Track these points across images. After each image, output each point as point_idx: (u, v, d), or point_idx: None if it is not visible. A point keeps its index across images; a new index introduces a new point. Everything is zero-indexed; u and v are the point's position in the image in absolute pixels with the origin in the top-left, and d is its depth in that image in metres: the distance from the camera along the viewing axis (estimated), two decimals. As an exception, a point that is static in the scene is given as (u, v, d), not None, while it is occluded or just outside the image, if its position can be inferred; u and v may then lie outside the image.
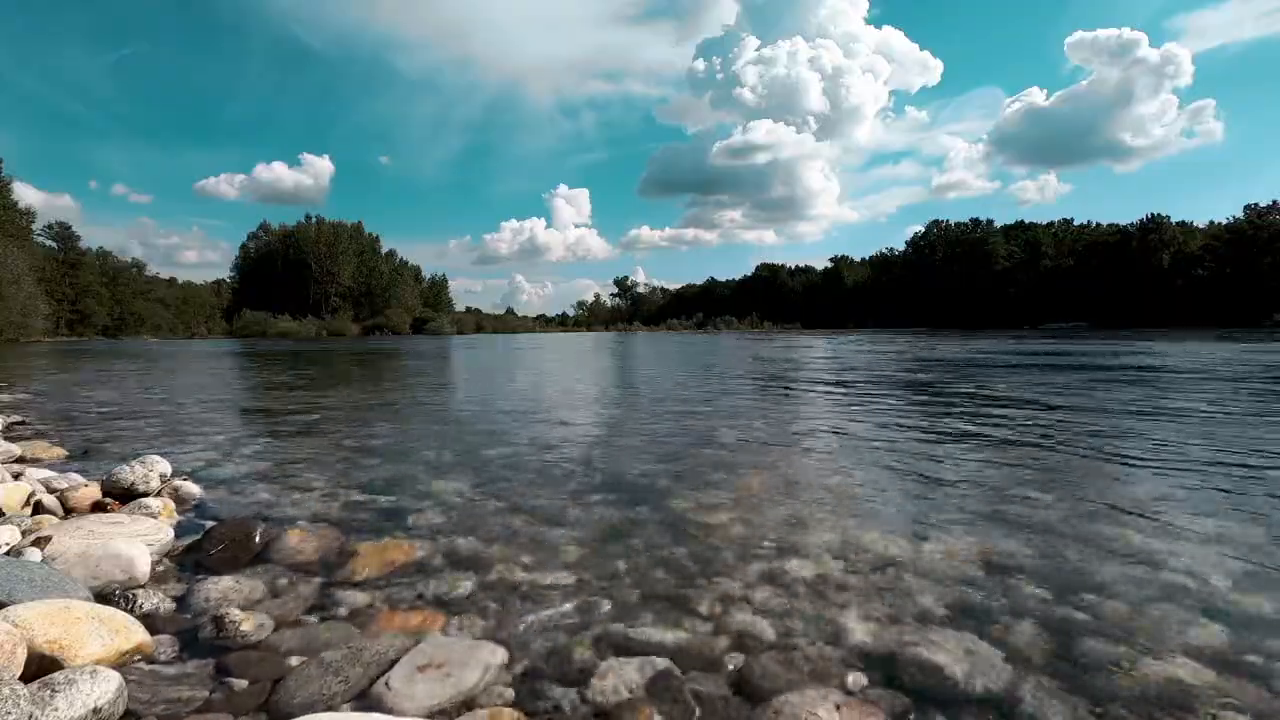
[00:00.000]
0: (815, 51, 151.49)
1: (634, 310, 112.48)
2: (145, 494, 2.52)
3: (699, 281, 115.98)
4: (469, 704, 1.24)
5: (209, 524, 2.23)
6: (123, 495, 2.50)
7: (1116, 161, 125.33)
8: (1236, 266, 54.66)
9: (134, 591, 1.65)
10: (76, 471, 2.90)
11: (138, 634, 1.41)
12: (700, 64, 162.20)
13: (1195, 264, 58.41)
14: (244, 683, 1.30)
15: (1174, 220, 62.30)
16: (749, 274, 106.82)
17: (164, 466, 2.78)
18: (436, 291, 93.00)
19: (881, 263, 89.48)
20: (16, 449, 3.31)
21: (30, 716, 1.04)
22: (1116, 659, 1.37)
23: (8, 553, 1.75)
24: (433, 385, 8.65)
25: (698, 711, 1.22)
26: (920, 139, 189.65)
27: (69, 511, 2.35)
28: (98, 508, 2.37)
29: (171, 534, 2.07)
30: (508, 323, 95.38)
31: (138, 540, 1.87)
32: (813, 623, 1.55)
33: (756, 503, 2.58)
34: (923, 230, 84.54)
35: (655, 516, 2.40)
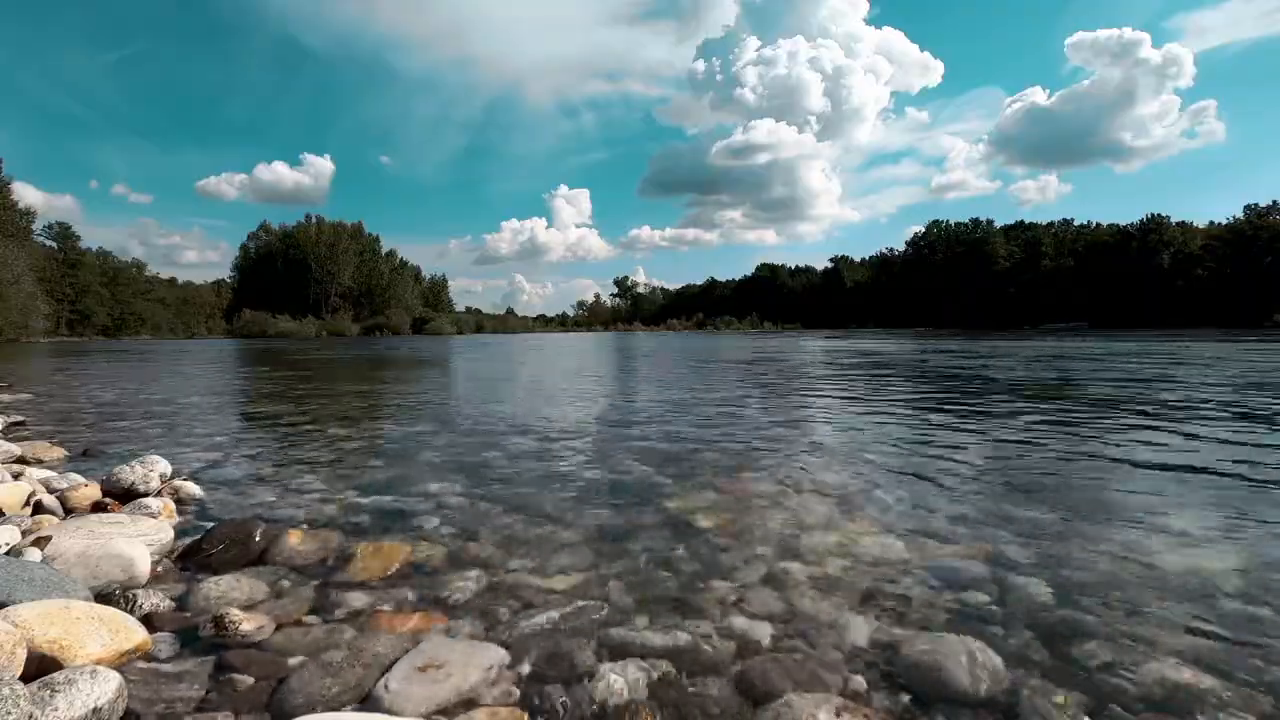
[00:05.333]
0: (816, 52, 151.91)
1: (634, 310, 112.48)
2: (145, 494, 2.52)
3: (699, 281, 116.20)
4: (469, 704, 1.24)
5: (209, 524, 2.23)
6: (123, 495, 2.50)
7: (1117, 162, 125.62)
8: (1236, 267, 54.65)
9: (134, 591, 1.64)
10: (76, 471, 2.90)
11: (138, 634, 1.40)
12: (700, 64, 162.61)
13: (1195, 264, 58.42)
14: (244, 683, 1.30)
15: (1174, 220, 62.36)
16: (749, 274, 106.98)
17: (164, 467, 2.78)
18: (436, 292, 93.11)
19: (881, 263, 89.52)
20: (16, 449, 3.31)
21: (30, 716, 1.04)
22: (1117, 660, 1.37)
23: (8, 553, 1.75)
24: (433, 386, 8.65)
25: (699, 714, 1.22)
26: (920, 139, 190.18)
27: (69, 511, 2.35)
28: (98, 508, 2.36)
29: (171, 534, 2.06)
30: (508, 323, 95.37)
31: (138, 540, 1.87)
32: (813, 625, 1.54)
33: (757, 504, 2.58)
34: (923, 230, 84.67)
35: (655, 518, 2.40)
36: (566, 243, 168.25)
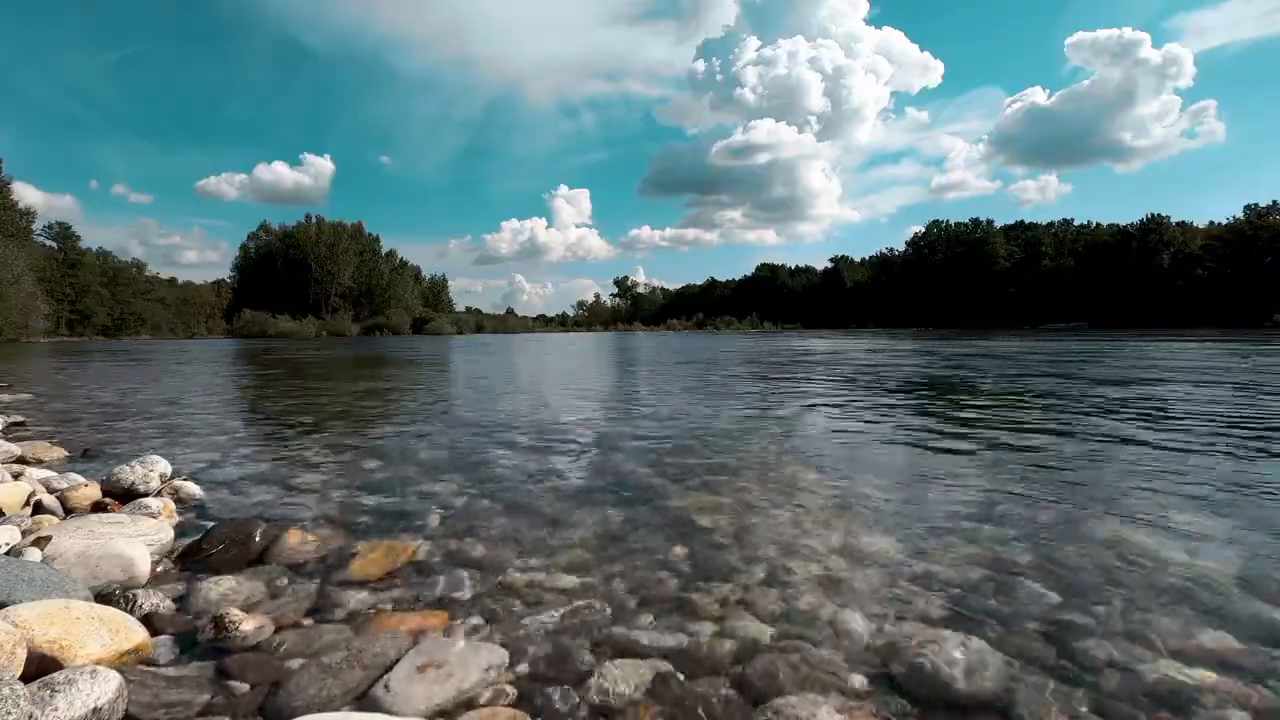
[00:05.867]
0: (816, 52, 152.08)
1: (634, 310, 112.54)
2: (145, 494, 2.52)
3: (699, 281, 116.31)
4: (469, 704, 1.24)
5: (209, 524, 2.23)
6: (123, 495, 2.50)
7: (1117, 162, 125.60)
8: (1236, 267, 54.66)
9: (134, 592, 1.64)
10: (76, 472, 2.90)
11: (138, 634, 1.40)
12: (700, 64, 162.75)
13: (1195, 264, 58.45)
14: (244, 684, 1.30)
15: (1174, 220, 62.40)
16: (749, 274, 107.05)
17: (164, 467, 2.78)
18: (436, 292, 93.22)
19: (881, 263, 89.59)
20: (16, 449, 3.31)
21: (30, 716, 1.04)
22: (1117, 660, 1.37)
23: (8, 553, 1.75)
24: (433, 386, 8.65)
25: (699, 714, 1.22)
26: (920, 139, 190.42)
27: (69, 512, 2.35)
28: (98, 508, 2.36)
29: (171, 534, 2.06)
30: (508, 323, 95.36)
31: (138, 540, 1.87)
32: (814, 625, 1.54)
33: (757, 504, 2.58)
34: (923, 230, 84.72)
35: (656, 518, 2.40)
36: (566, 243, 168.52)
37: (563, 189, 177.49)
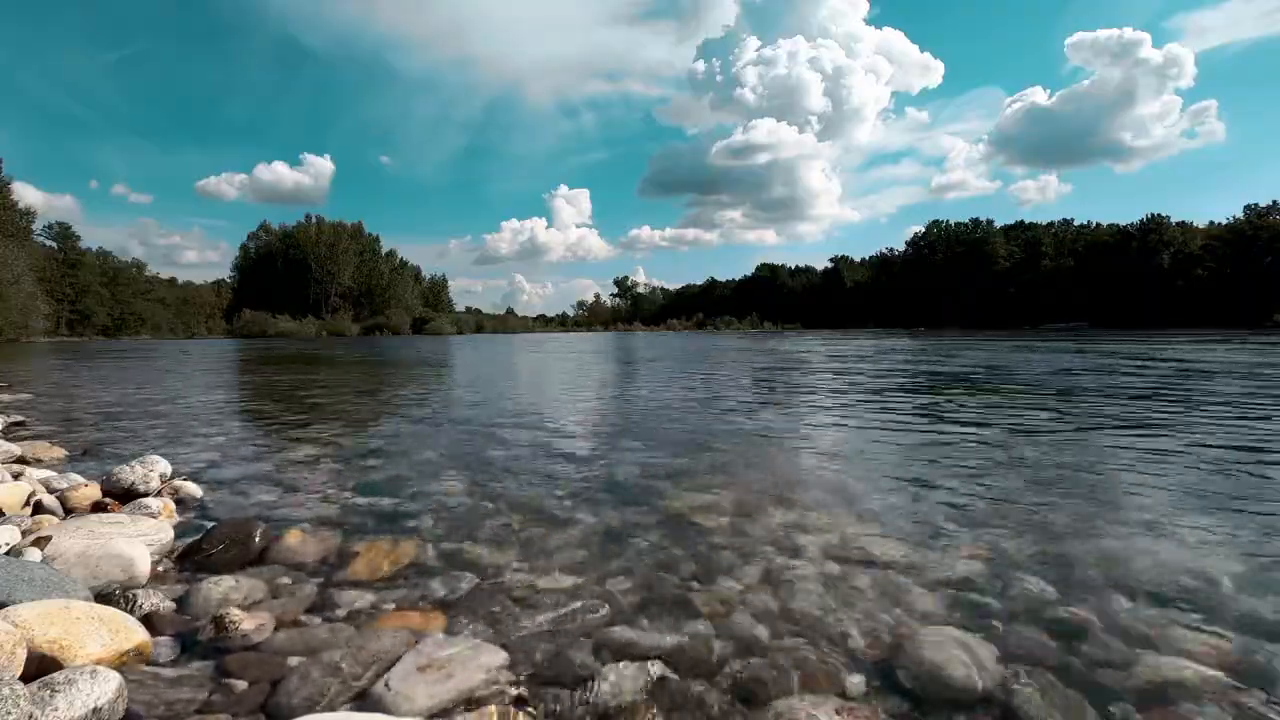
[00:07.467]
0: (816, 52, 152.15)
1: (634, 310, 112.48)
2: (145, 494, 2.52)
3: (699, 281, 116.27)
4: (469, 704, 1.24)
5: (209, 524, 2.23)
6: (123, 495, 2.50)
7: (1117, 162, 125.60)
8: (1236, 267, 54.65)
9: (134, 592, 1.65)
10: (76, 471, 2.90)
11: (138, 634, 1.40)
12: (700, 65, 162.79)
13: (1195, 264, 58.43)
14: (244, 683, 1.30)
15: (1174, 220, 62.39)
16: (749, 274, 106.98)
17: (164, 467, 2.78)
18: (436, 292, 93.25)
19: (881, 263, 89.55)
20: (16, 449, 3.31)
21: (30, 716, 1.04)
22: (1117, 660, 1.37)
23: (8, 553, 1.75)
24: (433, 386, 8.65)
25: (698, 714, 1.22)
26: (920, 139, 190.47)
27: (69, 512, 2.35)
28: (98, 508, 2.36)
29: (171, 534, 2.06)
30: (508, 323, 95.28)
31: (138, 540, 1.87)
32: (812, 625, 1.54)
33: (755, 504, 2.58)
34: (923, 230, 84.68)
35: (654, 518, 2.40)
36: (566, 243, 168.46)
37: (563, 189, 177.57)
